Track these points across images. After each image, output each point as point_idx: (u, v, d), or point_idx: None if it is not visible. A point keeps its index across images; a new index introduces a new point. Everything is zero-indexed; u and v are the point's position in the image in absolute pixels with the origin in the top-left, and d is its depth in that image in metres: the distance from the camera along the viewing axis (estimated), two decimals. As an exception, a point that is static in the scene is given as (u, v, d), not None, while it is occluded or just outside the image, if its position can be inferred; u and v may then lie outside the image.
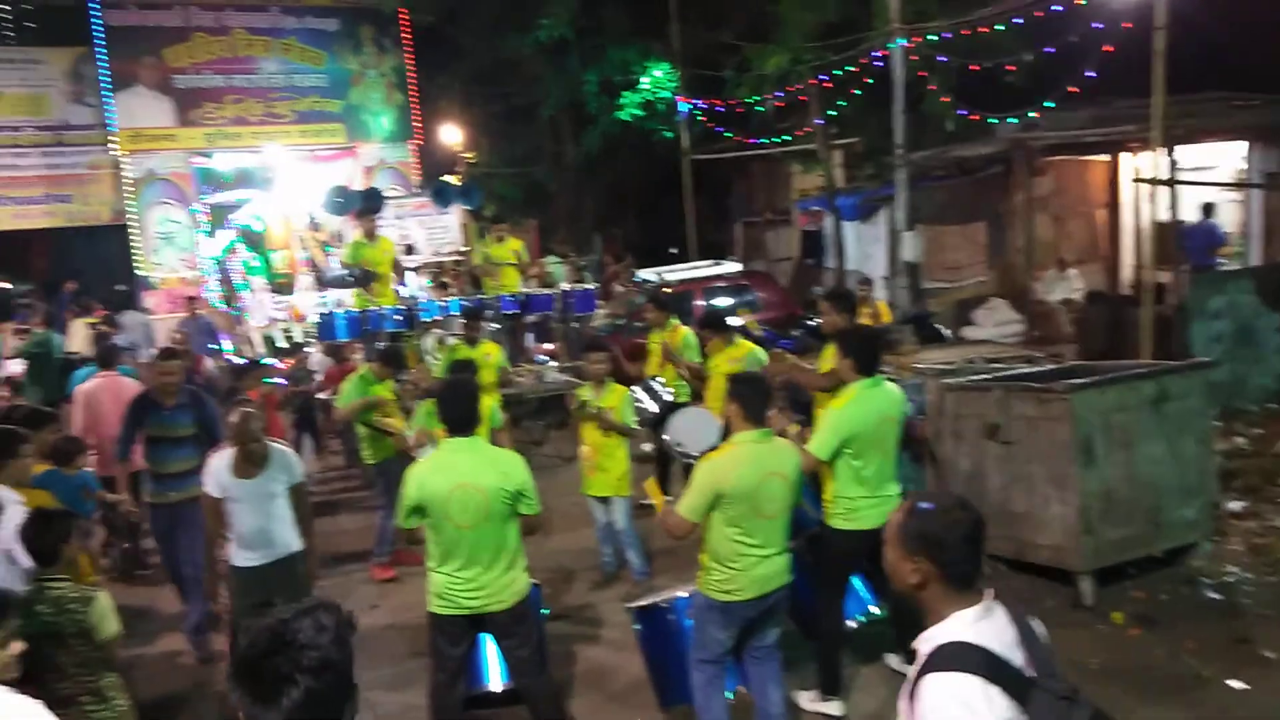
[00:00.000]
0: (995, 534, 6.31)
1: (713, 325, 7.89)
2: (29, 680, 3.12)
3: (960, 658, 2.17)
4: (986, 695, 2.12)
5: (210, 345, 13.96)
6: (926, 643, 2.26)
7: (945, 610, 2.28)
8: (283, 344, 13.74)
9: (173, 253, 17.67)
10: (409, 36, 20.04)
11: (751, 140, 18.69)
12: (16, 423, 5.28)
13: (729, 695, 4.48)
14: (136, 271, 17.56)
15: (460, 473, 4.20)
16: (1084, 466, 5.78)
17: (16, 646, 3.02)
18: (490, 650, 4.64)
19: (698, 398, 8.23)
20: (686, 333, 8.44)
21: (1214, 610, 5.77)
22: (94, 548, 5.75)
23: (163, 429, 6.22)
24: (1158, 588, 6.03)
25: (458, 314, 10.55)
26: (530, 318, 11.98)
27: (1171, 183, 11.19)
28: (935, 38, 13.26)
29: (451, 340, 10.18)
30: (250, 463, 5.07)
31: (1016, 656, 2.21)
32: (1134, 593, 5.99)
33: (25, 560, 3.90)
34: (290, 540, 5.20)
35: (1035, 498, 6.01)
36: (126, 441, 6.31)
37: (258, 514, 5.08)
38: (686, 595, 4.58)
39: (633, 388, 7.31)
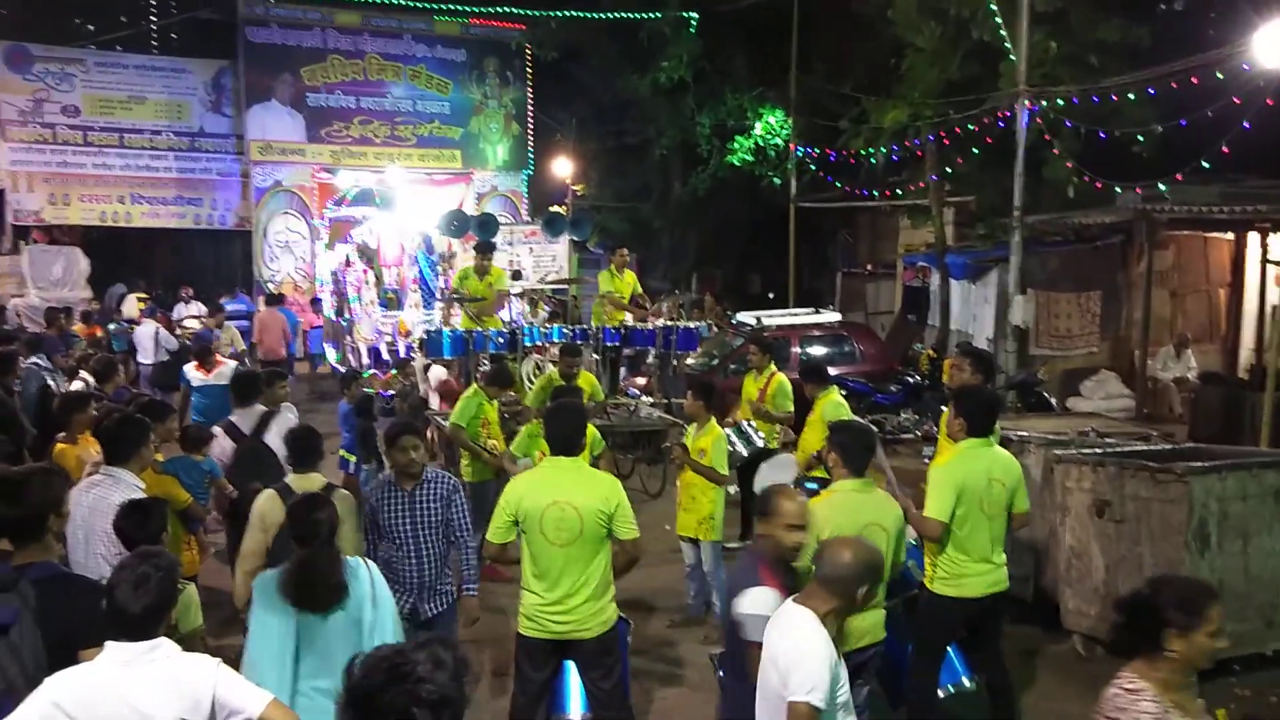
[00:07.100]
0: (1097, 615, 6.10)
1: (814, 376, 7.85)
2: None
3: None
4: None
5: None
6: None
7: None
8: (386, 357, 14.11)
9: (290, 261, 18.39)
10: (531, 71, 20.66)
11: (860, 191, 18.58)
12: (138, 413, 5.39)
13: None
14: (255, 276, 18.33)
15: (558, 489, 4.23)
16: (1197, 553, 5.55)
17: None
18: (574, 678, 4.64)
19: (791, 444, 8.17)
20: (782, 379, 8.38)
21: (1329, 718, 5.46)
22: (203, 536, 5.94)
23: None
24: (1266, 688, 5.74)
25: (557, 341, 10.68)
26: (627, 351, 12.04)
27: (1303, 266, 10.74)
28: (1062, 102, 13.01)
29: (550, 367, 10.30)
30: None
31: None
32: (1240, 690, 5.70)
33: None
34: None
35: (1142, 582, 5.76)
36: None
37: None
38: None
39: (725, 429, 7.28)
